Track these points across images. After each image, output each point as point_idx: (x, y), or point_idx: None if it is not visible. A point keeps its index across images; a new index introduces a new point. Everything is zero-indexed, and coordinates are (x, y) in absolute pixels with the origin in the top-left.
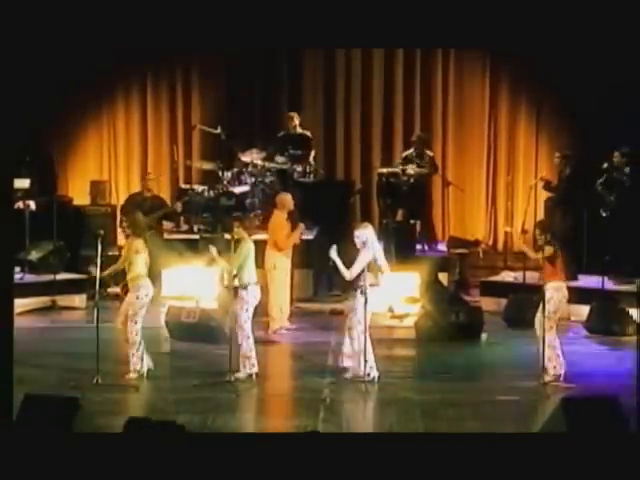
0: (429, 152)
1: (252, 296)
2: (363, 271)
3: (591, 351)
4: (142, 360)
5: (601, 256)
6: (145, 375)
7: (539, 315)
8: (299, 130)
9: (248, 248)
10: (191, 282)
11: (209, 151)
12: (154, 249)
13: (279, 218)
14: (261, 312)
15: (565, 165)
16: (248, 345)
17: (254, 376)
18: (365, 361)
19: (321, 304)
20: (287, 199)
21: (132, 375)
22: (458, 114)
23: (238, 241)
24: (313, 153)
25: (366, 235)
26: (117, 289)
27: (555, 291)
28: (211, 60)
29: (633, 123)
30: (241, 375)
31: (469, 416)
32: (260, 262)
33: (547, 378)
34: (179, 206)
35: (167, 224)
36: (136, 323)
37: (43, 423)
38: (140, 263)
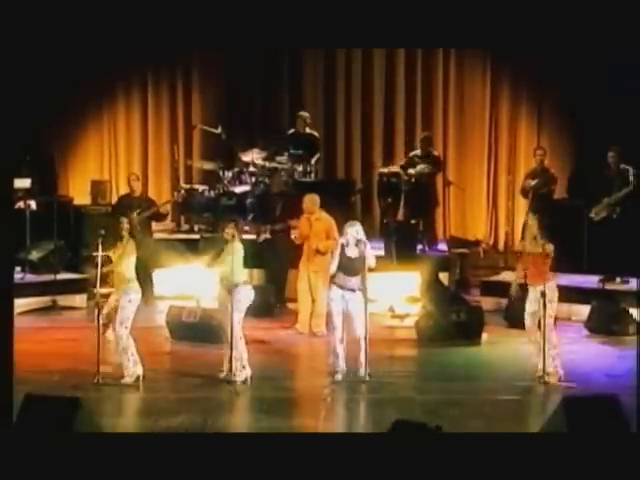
0: (435, 152)
1: (244, 296)
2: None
3: (591, 351)
4: (137, 363)
5: (602, 256)
6: (141, 378)
7: (532, 316)
8: (308, 130)
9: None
10: (191, 282)
11: (210, 151)
12: (145, 250)
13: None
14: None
15: (545, 162)
16: (241, 346)
17: (249, 380)
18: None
19: None
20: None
21: (127, 380)
22: (459, 113)
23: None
24: (317, 155)
25: (359, 234)
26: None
27: (554, 291)
28: (211, 60)
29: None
30: (239, 379)
31: (470, 416)
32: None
33: (552, 379)
34: (166, 208)
35: (168, 224)
36: (127, 328)
37: (43, 423)
38: (132, 266)
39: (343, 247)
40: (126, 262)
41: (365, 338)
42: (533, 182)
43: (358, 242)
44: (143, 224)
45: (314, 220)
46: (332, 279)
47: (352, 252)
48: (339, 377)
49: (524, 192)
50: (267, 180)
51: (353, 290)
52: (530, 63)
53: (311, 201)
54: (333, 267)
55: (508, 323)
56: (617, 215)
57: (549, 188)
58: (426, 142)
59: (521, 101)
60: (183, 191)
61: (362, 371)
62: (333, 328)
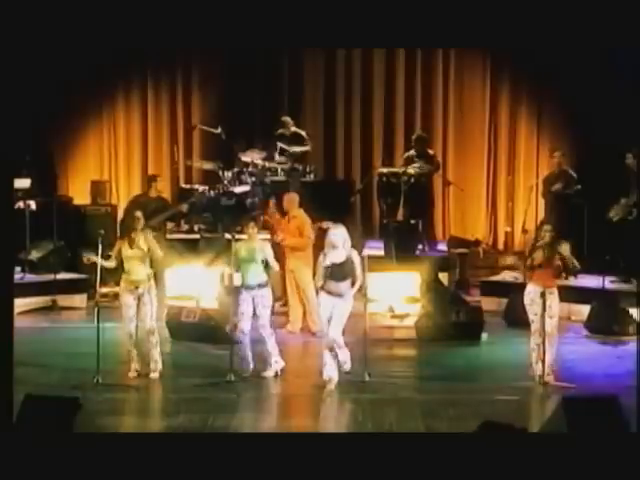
0: (430, 151)
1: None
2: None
3: (591, 351)
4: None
5: (601, 256)
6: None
7: (540, 318)
8: (293, 129)
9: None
10: (191, 282)
11: (209, 151)
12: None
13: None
14: None
15: (564, 164)
16: (273, 342)
17: (279, 372)
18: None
19: None
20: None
21: (156, 375)
22: (459, 114)
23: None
24: (301, 149)
25: (346, 235)
26: (117, 289)
27: (556, 296)
28: (211, 60)
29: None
30: (269, 373)
31: (469, 416)
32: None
33: (549, 378)
34: (185, 207)
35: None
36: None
37: (43, 423)
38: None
39: (326, 253)
40: (145, 260)
41: (337, 343)
42: (557, 185)
43: (344, 245)
44: (159, 225)
45: (291, 218)
46: (321, 286)
47: (338, 256)
48: (332, 386)
49: (544, 194)
50: (266, 180)
51: (341, 295)
52: (530, 63)
53: (289, 200)
54: (318, 278)
55: (508, 323)
56: (633, 217)
57: (572, 190)
58: (420, 142)
59: (521, 101)
60: (200, 194)
61: (325, 374)
62: (322, 336)
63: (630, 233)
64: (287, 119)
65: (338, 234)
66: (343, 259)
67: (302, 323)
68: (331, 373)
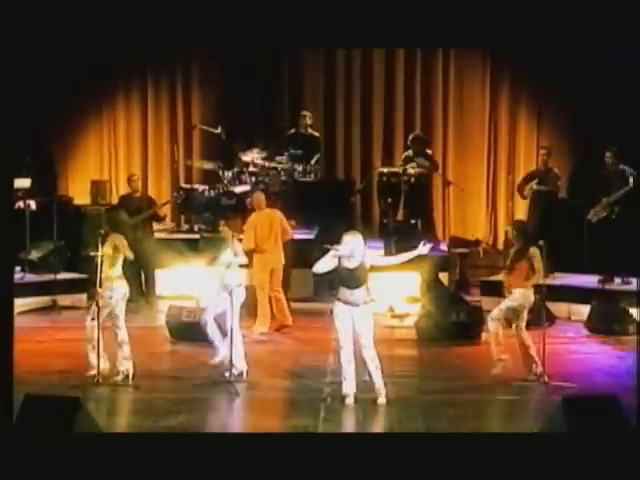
0: (428, 151)
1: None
2: None
3: (591, 351)
4: (129, 360)
5: (601, 256)
6: (131, 377)
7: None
8: (309, 130)
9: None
10: (191, 282)
11: (209, 151)
12: (146, 250)
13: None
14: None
15: (549, 162)
16: (241, 344)
17: (245, 374)
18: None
19: (321, 304)
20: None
21: (119, 377)
22: (459, 114)
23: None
24: (318, 155)
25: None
26: None
27: (526, 298)
28: (211, 60)
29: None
30: (240, 373)
31: (469, 416)
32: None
33: (532, 377)
34: (163, 210)
35: (168, 224)
36: (115, 325)
37: (43, 423)
38: (116, 264)
39: (340, 258)
40: (108, 260)
41: (374, 358)
42: (534, 183)
43: (353, 254)
44: (143, 224)
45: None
46: (336, 295)
47: (351, 262)
48: (350, 400)
49: (520, 191)
50: (267, 180)
51: (358, 305)
52: (530, 63)
53: (255, 200)
54: (319, 266)
55: (507, 323)
56: (615, 215)
57: (552, 187)
58: (417, 141)
59: (521, 101)
60: (182, 192)
61: (378, 392)
62: (339, 347)
63: (613, 232)
64: (307, 113)
65: (344, 242)
66: (356, 264)
67: (271, 322)
68: (349, 389)
